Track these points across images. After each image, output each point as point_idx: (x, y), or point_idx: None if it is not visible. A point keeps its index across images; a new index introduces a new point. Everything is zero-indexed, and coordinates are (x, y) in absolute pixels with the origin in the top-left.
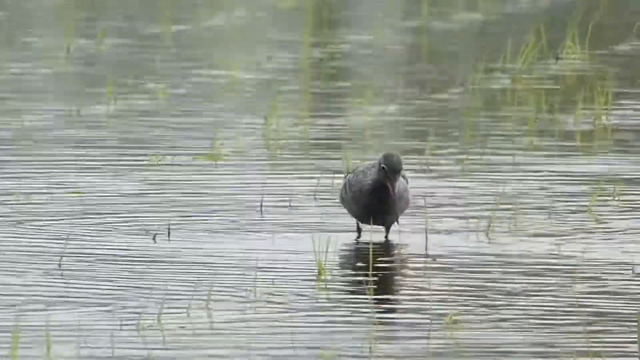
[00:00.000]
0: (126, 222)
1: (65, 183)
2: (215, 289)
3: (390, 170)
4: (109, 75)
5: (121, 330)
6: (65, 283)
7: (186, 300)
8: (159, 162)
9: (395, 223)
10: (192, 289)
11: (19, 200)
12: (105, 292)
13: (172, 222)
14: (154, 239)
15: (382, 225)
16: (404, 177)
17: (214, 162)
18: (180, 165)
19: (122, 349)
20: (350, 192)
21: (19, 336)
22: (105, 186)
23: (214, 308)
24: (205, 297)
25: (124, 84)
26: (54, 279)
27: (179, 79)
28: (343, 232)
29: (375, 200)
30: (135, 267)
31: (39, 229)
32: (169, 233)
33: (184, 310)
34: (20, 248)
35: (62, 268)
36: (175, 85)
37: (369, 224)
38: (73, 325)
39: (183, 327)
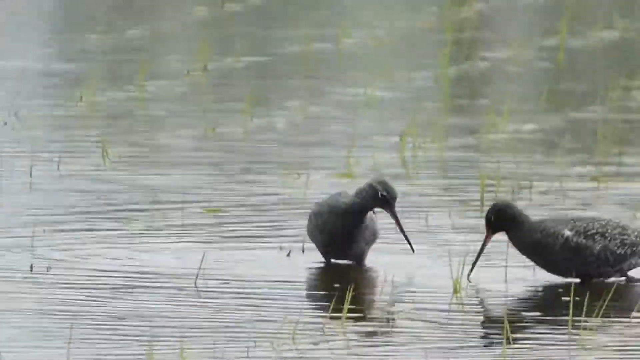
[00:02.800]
0: (262, 237)
1: (200, 200)
2: (352, 304)
3: (391, 197)
4: (245, 93)
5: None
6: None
7: (321, 317)
8: (296, 179)
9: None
10: (328, 303)
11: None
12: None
13: (306, 239)
14: (288, 255)
15: (347, 259)
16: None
17: (349, 180)
18: (315, 182)
19: None
20: (315, 219)
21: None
22: (243, 202)
23: (349, 324)
24: (340, 314)
25: (261, 102)
26: (190, 298)
27: (316, 97)
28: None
29: (345, 226)
30: (275, 285)
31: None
32: (303, 250)
33: (320, 326)
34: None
35: (197, 287)
36: (312, 103)
37: (330, 257)
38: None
39: (317, 344)
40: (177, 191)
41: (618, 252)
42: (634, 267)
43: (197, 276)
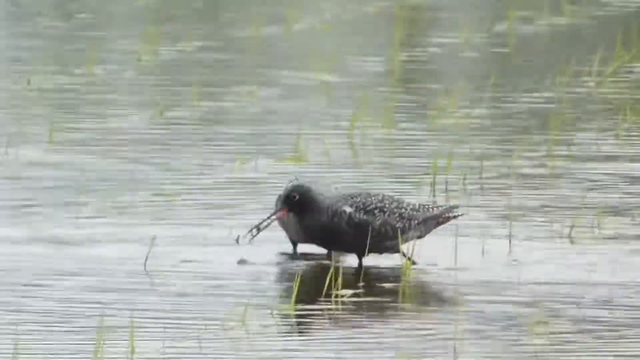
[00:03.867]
0: (211, 220)
1: (148, 184)
2: (302, 287)
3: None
4: (195, 77)
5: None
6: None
7: (272, 300)
8: (243, 164)
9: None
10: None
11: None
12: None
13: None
14: (237, 240)
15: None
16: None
17: (298, 165)
18: (264, 166)
19: None
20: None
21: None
22: (193, 186)
23: (298, 307)
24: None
25: (211, 86)
26: (141, 278)
27: (265, 82)
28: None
29: None
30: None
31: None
32: (252, 235)
33: (269, 310)
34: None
35: (147, 271)
36: (261, 88)
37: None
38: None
39: (266, 327)
40: (126, 175)
41: (398, 225)
42: (409, 240)
43: (146, 259)
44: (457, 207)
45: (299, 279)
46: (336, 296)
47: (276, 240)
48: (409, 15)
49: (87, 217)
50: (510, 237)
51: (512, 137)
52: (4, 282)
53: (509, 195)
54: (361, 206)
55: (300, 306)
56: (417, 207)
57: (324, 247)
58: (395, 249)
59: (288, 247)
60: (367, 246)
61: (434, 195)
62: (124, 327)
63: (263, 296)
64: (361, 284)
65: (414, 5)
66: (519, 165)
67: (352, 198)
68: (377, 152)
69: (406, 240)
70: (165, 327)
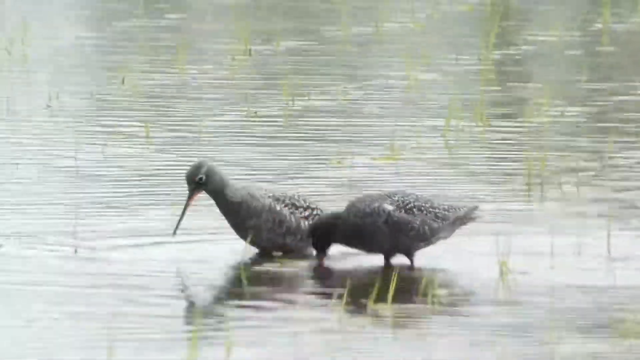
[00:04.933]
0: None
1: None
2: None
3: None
4: (286, 77)
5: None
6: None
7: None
8: (338, 164)
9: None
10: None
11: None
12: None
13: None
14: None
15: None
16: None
17: (393, 163)
18: (360, 166)
19: None
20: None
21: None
22: (285, 186)
23: (395, 306)
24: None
25: (303, 85)
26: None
27: (357, 81)
28: (526, 234)
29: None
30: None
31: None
32: None
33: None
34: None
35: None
36: (353, 87)
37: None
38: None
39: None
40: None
41: (434, 225)
42: (438, 241)
43: (242, 256)
44: (477, 207)
45: (395, 277)
46: (433, 296)
47: None
48: (502, 13)
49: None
50: (608, 236)
51: (607, 135)
52: (110, 285)
53: (605, 193)
54: (401, 204)
55: (396, 305)
56: (447, 207)
57: (351, 245)
58: (416, 249)
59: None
60: (410, 246)
61: (530, 195)
62: (219, 328)
63: (358, 295)
64: (458, 283)
65: (507, 3)
66: (614, 164)
67: (389, 197)
68: (471, 150)
69: (436, 241)
70: (259, 327)
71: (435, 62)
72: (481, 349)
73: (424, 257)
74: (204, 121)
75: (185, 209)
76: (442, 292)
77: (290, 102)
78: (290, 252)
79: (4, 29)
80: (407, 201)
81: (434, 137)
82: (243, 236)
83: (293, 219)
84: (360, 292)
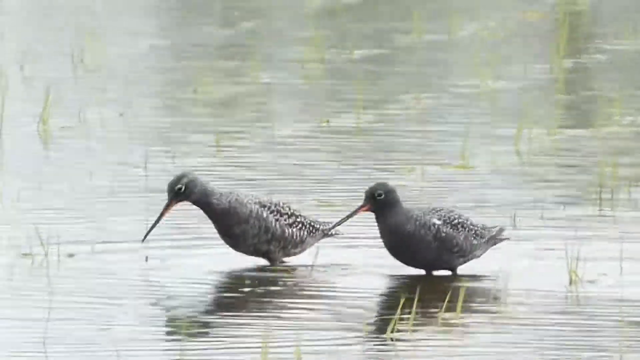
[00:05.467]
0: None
1: (313, 194)
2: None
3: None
4: (359, 85)
5: None
6: None
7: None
8: (410, 172)
9: None
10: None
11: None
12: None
13: None
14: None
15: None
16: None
17: (464, 171)
18: (430, 174)
19: None
20: None
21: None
22: (357, 195)
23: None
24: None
25: (375, 93)
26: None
27: (429, 89)
28: (596, 241)
29: None
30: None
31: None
32: None
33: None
34: None
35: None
36: (426, 95)
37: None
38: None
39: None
40: (292, 185)
41: (474, 242)
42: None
43: (312, 267)
44: (504, 229)
45: (464, 285)
46: (502, 304)
47: None
48: (573, 21)
49: None
50: None
51: None
52: (183, 292)
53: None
54: (447, 220)
55: (465, 313)
56: (482, 226)
57: (397, 255)
58: (458, 265)
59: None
60: (452, 262)
61: (600, 203)
62: (290, 331)
63: (427, 302)
64: (527, 291)
65: (578, 12)
66: None
67: (437, 211)
68: (542, 158)
69: (471, 259)
70: (328, 330)
71: (506, 70)
72: (550, 358)
73: (493, 265)
74: (276, 130)
75: (160, 217)
76: (510, 300)
77: (362, 110)
78: (270, 260)
79: (78, 38)
80: (452, 217)
81: (505, 145)
82: (230, 243)
83: (278, 226)
84: (429, 301)
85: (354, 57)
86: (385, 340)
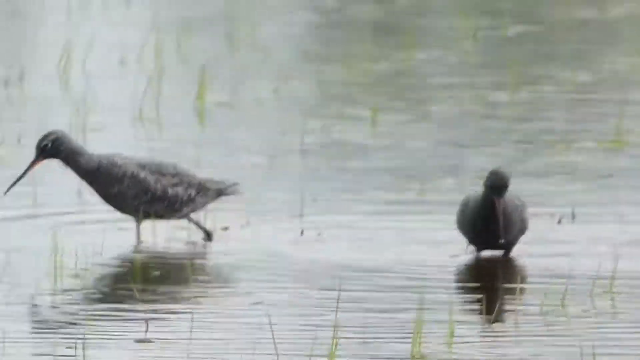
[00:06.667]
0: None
1: (469, 170)
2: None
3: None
4: (512, 63)
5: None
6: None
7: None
8: (564, 150)
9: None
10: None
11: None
12: None
13: (576, 205)
14: (559, 222)
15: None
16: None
17: (619, 148)
18: (584, 152)
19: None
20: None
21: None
22: (528, 173)
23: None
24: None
25: (529, 71)
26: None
27: (585, 66)
28: None
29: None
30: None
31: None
32: (573, 216)
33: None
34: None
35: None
36: (581, 72)
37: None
38: None
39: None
40: (448, 160)
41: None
42: None
43: (460, 254)
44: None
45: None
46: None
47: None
48: None
49: (411, 203)
50: None
51: None
52: (324, 269)
53: None
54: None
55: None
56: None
57: (480, 242)
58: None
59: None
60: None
61: None
62: (443, 309)
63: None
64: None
65: None
66: None
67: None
68: None
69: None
70: (481, 305)
71: None
72: None
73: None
74: (430, 106)
75: (24, 172)
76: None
77: (516, 88)
78: (162, 219)
79: (233, 14)
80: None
81: None
82: (113, 206)
83: (159, 186)
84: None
85: (508, 33)
86: (536, 321)
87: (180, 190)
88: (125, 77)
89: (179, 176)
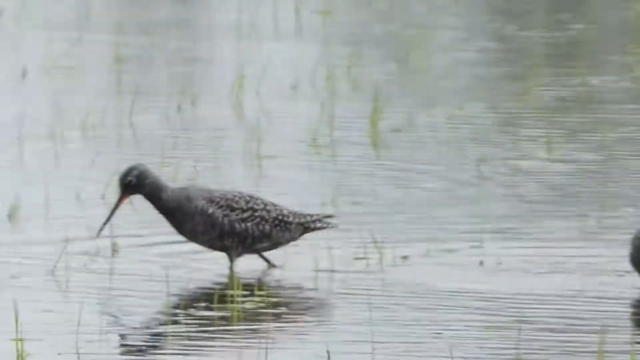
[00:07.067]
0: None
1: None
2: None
3: None
4: None
5: None
6: None
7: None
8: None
9: None
10: None
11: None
12: None
13: None
14: None
15: None
16: None
17: None
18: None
19: None
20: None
21: None
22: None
23: None
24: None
25: None
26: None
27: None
28: None
29: None
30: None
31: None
32: None
33: None
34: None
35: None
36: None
37: None
38: None
39: None
40: (626, 183)
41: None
42: None
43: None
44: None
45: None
46: None
47: None
48: None
49: (590, 232)
50: None
51: None
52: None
53: None
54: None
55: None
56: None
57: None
58: None
59: None
60: None
61: None
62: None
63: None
64: None
65: None
66: None
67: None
68: None
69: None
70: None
71: None
72: None
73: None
74: (605, 132)
75: (113, 210)
76: None
77: None
78: (229, 257)
79: (407, 39)
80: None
81: None
82: (189, 239)
83: (226, 222)
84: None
85: None
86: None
87: (251, 225)
88: (297, 101)
89: (251, 210)
